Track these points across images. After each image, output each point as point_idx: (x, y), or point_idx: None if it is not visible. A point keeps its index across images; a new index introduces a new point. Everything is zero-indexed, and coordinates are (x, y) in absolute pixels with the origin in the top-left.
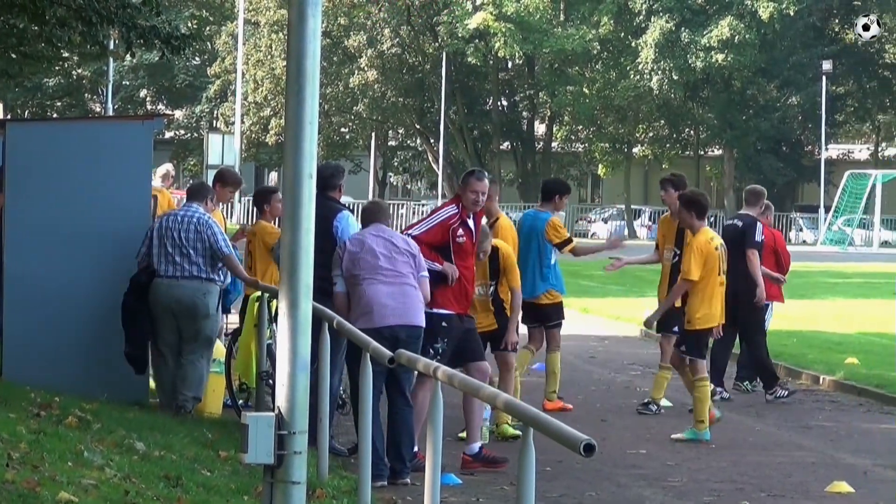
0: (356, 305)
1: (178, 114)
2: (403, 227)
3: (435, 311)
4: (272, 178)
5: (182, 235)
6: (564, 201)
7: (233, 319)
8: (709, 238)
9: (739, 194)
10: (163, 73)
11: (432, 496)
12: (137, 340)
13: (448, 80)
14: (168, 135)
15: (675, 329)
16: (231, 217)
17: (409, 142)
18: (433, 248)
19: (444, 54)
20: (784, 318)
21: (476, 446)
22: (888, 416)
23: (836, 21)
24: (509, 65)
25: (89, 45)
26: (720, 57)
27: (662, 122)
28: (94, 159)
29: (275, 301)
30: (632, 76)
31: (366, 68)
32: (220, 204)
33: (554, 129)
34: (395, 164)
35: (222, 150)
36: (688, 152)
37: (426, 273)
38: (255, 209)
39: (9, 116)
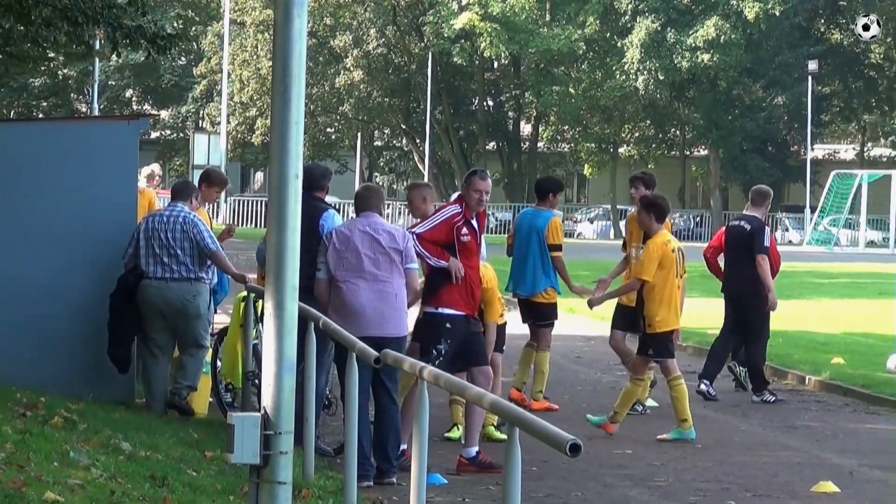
0: (337, 306)
1: (164, 114)
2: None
3: (441, 310)
4: (258, 178)
5: (169, 235)
6: (558, 199)
7: (219, 319)
8: (666, 240)
9: (725, 194)
10: (149, 73)
11: (418, 496)
12: (122, 340)
13: (434, 80)
14: (154, 135)
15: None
16: (217, 217)
17: (394, 142)
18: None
19: (430, 54)
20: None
21: (473, 450)
22: (874, 416)
23: (822, 21)
24: (495, 65)
25: (75, 45)
26: (706, 57)
27: (648, 122)
28: (79, 159)
29: (261, 301)
30: (617, 76)
31: (351, 68)
32: (206, 204)
33: (540, 129)
34: (381, 164)
35: (208, 150)
36: (674, 152)
37: (415, 265)
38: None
39: None
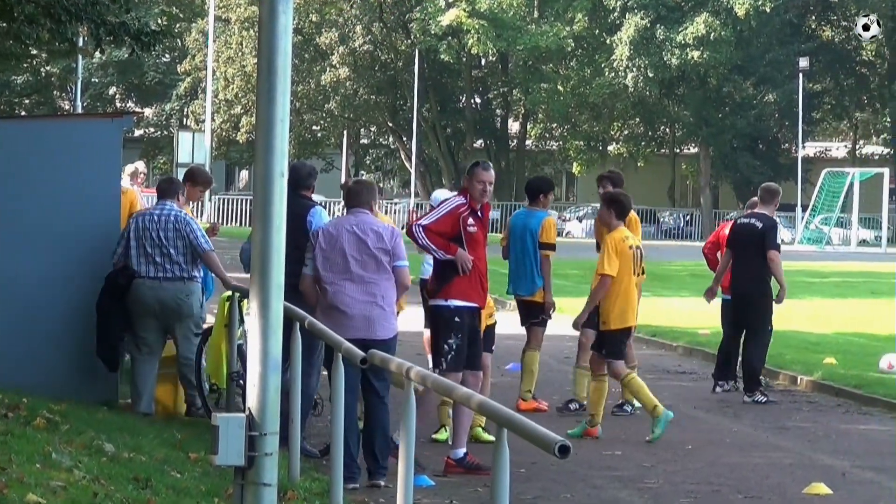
0: (324, 308)
1: (148, 111)
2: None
3: (450, 302)
4: (243, 176)
5: (161, 235)
6: (549, 199)
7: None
8: (624, 236)
9: (716, 193)
10: (132, 70)
11: (405, 498)
12: (111, 340)
13: (421, 77)
14: (138, 133)
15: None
16: (201, 216)
17: (381, 140)
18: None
19: (417, 51)
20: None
21: (461, 451)
22: (866, 416)
23: (813, 17)
24: (483, 62)
25: (58, 41)
26: (696, 54)
27: (637, 119)
28: (62, 158)
29: (245, 300)
30: (606, 73)
31: (337, 65)
32: (191, 202)
33: (528, 126)
34: (368, 162)
35: (192, 148)
36: (663, 150)
37: (404, 263)
38: None
39: None
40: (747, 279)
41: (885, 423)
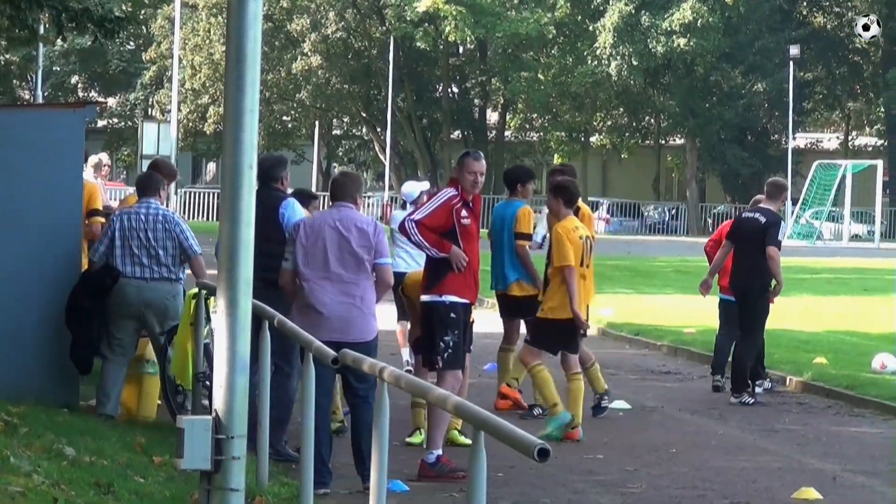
0: (301, 307)
1: (112, 101)
2: None
3: (444, 297)
4: (210, 168)
5: (150, 235)
6: (528, 188)
7: None
8: (573, 226)
9: (702, 186)
10: (95, 58)
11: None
12: (89, 341)
13: (396, 65)
14: (101, 123)
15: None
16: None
17: (354, 131)
18: (439, 234)
19: (392, 39)
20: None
21: (435, 454)
22: (858, 418)
23: (804, 4)
24: (460, 50)
25: (18, 29)
26: (682, 41)
27: (621, 109)
28: (22, 149)
29: (213, 298)
30: (589, 62)
31: (309, 53)
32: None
33: (507, 117)
34: (340, 154)
35: (158, 139)
36: (648, 141)
37: (386, 260)
38: None
39: None
40: (749, 274)
41: (878, 426)
